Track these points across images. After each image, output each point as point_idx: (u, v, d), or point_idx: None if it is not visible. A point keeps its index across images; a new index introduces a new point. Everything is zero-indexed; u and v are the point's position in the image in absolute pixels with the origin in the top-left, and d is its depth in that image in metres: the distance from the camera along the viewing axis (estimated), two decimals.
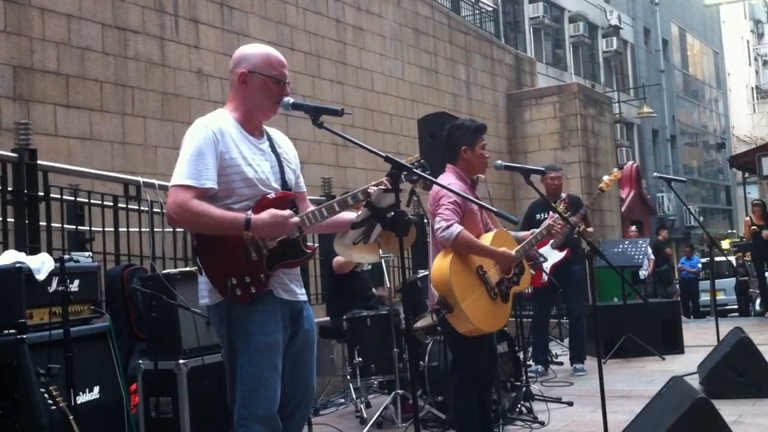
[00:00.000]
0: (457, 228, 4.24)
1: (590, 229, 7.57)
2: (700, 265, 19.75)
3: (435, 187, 4.40)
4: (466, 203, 4.40)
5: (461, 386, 4.48)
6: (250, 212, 3.10)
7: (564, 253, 7.73)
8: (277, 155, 3.34)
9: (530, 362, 7.84)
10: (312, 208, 3.31)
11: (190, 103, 9.53)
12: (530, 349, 7.98)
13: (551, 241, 7.61)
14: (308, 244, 3.34)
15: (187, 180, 3.05)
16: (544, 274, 7.72)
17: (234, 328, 3.12)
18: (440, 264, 4.29)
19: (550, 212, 7.40)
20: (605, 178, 7.65)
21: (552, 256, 7.68)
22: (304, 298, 3.37)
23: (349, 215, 3.41)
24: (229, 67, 3.35)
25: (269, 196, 3.19)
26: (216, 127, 3.15)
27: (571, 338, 8.16)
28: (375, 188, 3.28)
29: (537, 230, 4.91)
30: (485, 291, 4.36)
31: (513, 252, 4.48)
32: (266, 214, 3.07)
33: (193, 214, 3.02)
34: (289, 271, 3.26)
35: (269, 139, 3.36)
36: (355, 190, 3.35)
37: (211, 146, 3.10)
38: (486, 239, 4.51)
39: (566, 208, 5.69)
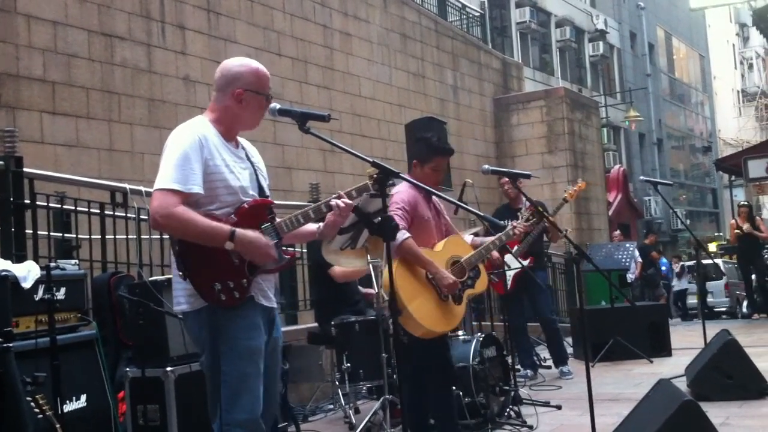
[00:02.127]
0: (403, 234, 4.32)
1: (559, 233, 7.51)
2: (665, 268, 19.87)
3: (393, 194, 4.49)
4: (416, 212, 4.54)
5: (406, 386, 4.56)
6: (232, 216, 3.14)
7: (527, 261, 7.70)
8: (252, 164, 3.37)
9: (518, 367, 7.85)
10: (285, 216, 3.35)
11: (177, 110, 9.52)
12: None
13: (515, 248, 7.58)
14: (287, 250, 3.38)
15: (174, 184, 3.05)
16: (507, 282, 7.70)
17: (218, 333, 3.13)
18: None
19: (516, 217, 7.42)
20: (569, 188, 7.70)
21: (515, 264, 7.63)
22: (276, 304, 3.41)
23: (313, 226, 3.44)
24: (217, 81, 3.34)
25: (247, 203, 3.22)
26: (201, 133, 3.18)
27: (548, 342, 8.11)
28: (337, 201, 3.31)
29: (494, 237, 4.98)
30: (434, 293, 4.46)
31: (451, 277, 4.51)
32: (253, 235, 3.11)
33: (179, 220, 3.03)
34: (267, 278, 3.28)
35: (244, 149, 3.41)
36: (329, 198, 3.38)
37: (197, 151, 3.11)
38: (437, 246, 4.62)
39: (531, 214, 5.70)
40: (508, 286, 7.69)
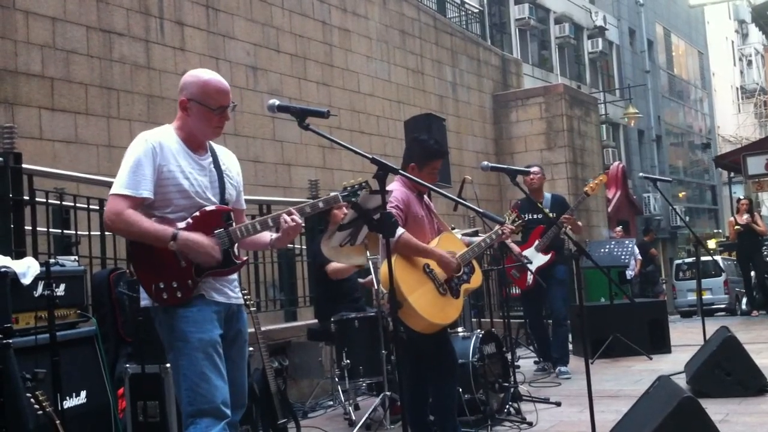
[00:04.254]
0: (399, 230, 4.35)
1: (579, 223, 7.56)
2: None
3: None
4: (410, 210, 4.61)
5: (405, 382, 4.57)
6: (181, 224, 3.27)
7: (549, 256, 7.70)
8: (220, 172, 3.47)
9: (544, 364, 7.98)
10: (247, 221, 3.49)
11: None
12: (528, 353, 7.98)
13: (536, 243, 7.63)
14: (238, 255, 3.46)
15: (126, 190, 3.24)
16: (528, 277, 7.71)
17: (171, 331, 3.28)
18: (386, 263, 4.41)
19: (537, 211, 7.45)
20: (590, 181, 7.67)
21: (537, 259, 7.65)
22: (239, 301, 3.51)
23: (267, 236, 3.57)
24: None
25: (206, 208, 3.34)
26: (156, 141, 3.32)
27: (554, 340, 7.99)
28: (286, 217, 3.40)
29: (484, 236, 5.01)
30: (433, 286, 4.52)
31: (454, 256, 4.61)
32: (195, 237, 3.24)
33: (125, 223, 3.22)
34: (222, 278, 3.40)
35: (213, 156, 3.49)
36: (282, 212, 3.45)
37: (149, 158, 3.27)
38: (432, 243, 4.67)
39: (517, 216, 5.72)
40: (530, 282, 7.71)
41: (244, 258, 3.56)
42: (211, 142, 3.53)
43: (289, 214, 3.41)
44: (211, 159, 3.46)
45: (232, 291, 3.45)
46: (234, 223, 3.41)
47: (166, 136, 3.37)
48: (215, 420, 3.21)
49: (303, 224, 3.52)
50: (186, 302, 3.26)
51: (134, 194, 3.23)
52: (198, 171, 3.38)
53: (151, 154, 3.27)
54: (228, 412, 3.26)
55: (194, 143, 3.42)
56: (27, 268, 4.18)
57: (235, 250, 3.43)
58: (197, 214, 3.32)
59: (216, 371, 3.25)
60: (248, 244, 3.63)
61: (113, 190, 3.26)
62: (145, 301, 3.36)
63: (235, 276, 3.50)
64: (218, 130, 3.44)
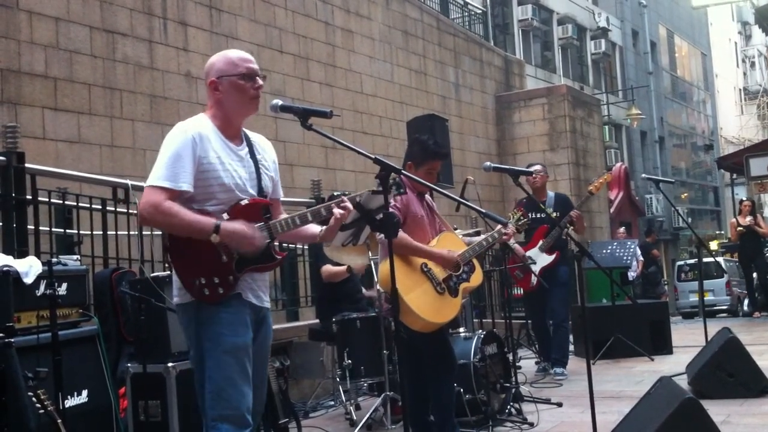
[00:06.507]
0: None
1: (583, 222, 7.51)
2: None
3: None
4: (409, 210, 4.61)
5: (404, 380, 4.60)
6: (224, 215, 3.15)
7: (553, 256, 7.66)
8: (256, 162, 3.36)
9: (544, 364, 7.94)
10: (285, 215, 3.36)
11: (179, 106, 9.52)
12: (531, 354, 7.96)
13: (540, 243, 7.61)
14: (278, 250, 3.37)
15: (164, 182, 3.11)
16: (533, 278, 7.68)
17: (203, 329, 3.16)
18: (385, 263, 4.45)
19: (539, 210, 7.45)
20: (594, 181, 7.65)
21: (541, 259, 7.61)
22: (269, 305, 3.41)
23: (315, 228, 3.45)
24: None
25: (242, 202, 3.23)
26: (196, 131, 3.20)
27: (554, 341, 7.91)
28: (337, 210, 3.29)
29: (484, 236, 5.02)
30: (431, 286, 4.54)
31: (454, 254, 4.63)
32: (238, 226, 3.12)
33: (165, 214, 3.08)
34: (259, 277, 3.31)
35: (249, 144, 3.39)
36: (329, 203, 3.36)
37: (189, 150, 3.15)
38: (431, 242, 4.69)
39: (522, 214, 5.68)
40: (533, 282, 7.67)
41: (284, 253, 3.44)
42: (246, 130, 3.42)
43: (340, 203, 3.30)
44: (247, 149, 3.35)
45: (264, 294, 3.35)
46: (272, 217, 3.31)
47: (203, 126, 3.24)
48: (237, 428, 3.10)
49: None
50: (225, 301, 3.14)
51: (173, 186, 3.10)
52: (237, 162, 3.26)
53: (191, 145, 3.15)
54: (250, 420, 3.16)
55: (230, 131, 3.30)
56: (29, 268, 4.19)
57: (275, 245, 3.32)
58: (239, 205, 3.20)
59: (244, 377, 3.15)
60: (294, 237, 3.52)
61: (150, 182, 3.13)
62: (177, 298, 3.23)
63: (267, 278, 3.39)
64: (255, 101, 3.31)
